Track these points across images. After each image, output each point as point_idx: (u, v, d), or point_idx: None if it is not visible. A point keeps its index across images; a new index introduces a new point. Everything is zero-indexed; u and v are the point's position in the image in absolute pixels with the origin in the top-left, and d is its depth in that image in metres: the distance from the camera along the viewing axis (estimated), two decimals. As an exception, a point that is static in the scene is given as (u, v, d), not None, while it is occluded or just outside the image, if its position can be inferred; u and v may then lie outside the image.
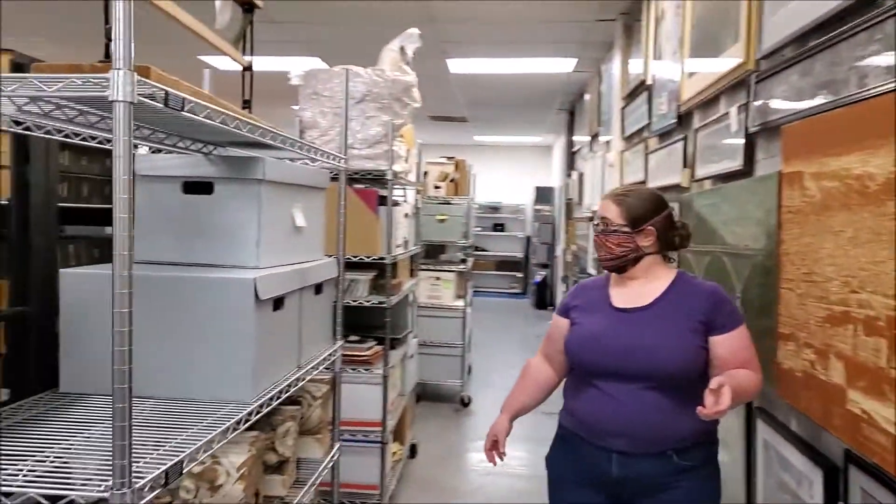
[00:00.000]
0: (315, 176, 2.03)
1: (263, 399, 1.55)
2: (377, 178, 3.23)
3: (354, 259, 3.22)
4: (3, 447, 1.22)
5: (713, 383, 1.47)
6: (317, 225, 2.07)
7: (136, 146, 1.78)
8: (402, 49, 3.31)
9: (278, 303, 1.69)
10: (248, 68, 2.06)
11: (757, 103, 2.15)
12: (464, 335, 5.45)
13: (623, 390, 1.69)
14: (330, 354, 2.11)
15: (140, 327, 1.51)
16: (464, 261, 5.66)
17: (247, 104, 2.03)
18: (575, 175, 7.82)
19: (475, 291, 12.52)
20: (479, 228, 12.61)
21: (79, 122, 1.53)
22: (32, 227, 1.64)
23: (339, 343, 2.21)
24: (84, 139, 1.53)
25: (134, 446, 1.20)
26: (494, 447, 1.92)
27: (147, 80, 1.03)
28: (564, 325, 1.89)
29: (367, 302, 3.25)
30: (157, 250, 1.74)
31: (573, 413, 1.82)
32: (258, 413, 1.50)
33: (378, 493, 3.27)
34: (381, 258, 3.20)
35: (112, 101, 0.96)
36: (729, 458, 2.26)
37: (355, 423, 3.27)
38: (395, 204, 3.66)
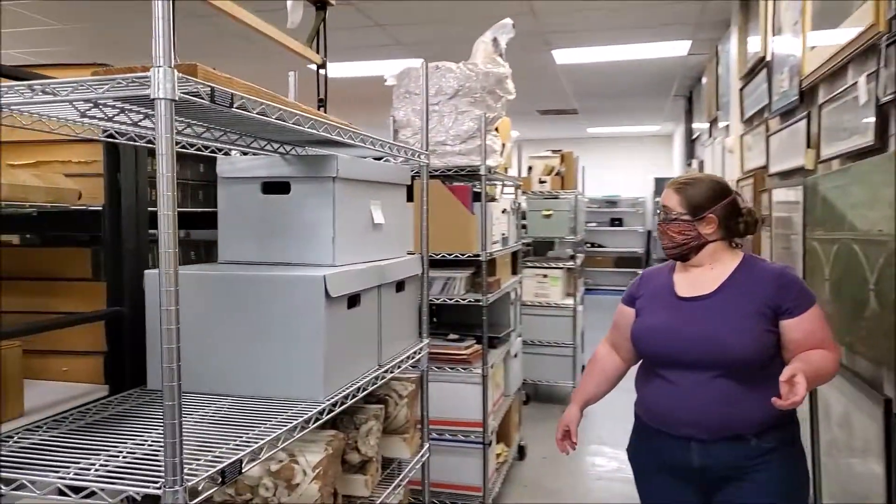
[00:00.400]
0: (395, 172, 2.01)
1: (337, 397, 1.54)
2: (471, 174, 3.18)
3: (450, 257, 3.19)
4: (85, 442, 1.27)
5: (785, 374, 1.48)
6: (399, 222, 2.05)
7: (221, 150, 1.83)
8: (494, 40, 3.24)
9: (353, 300, 1.67)
10: (321, 66, 2.08)
11: (890, 70, 1.92)
12: (574, 334, 5.30)
13: (693, 379, 1.70)
14: (415, 353, 2.08)
15: (217, 327, 1.55)
16: (573, 257, 5.49)
17: (322, 102, 2.04)
18: (695, 164, 7.41)
19: (590, 289, 12.21)
20: (594, 224, 12.29)
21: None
22: (124, 232, 1.73)
23: (426, 341, 2.18)
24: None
25: (199, 443, 1.21)
26: (566, 437, 1.98)
27: (191, 78, 1.03)
28: (630, 314, 1.92)
29: (463, 300, 3.21)
30: (241, 251, 1.78)
31: (646, 404, 1.84)
32: (330, 412, 1.49)
33: (481, 494, 3.22)
34: (477, 255, 3.15)
35: (153, 99, 0.97)
36: (864, 467, 2.03)
37: (455, 422, 3.24)
38: (492, 199, 3.59)
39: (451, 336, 3.44)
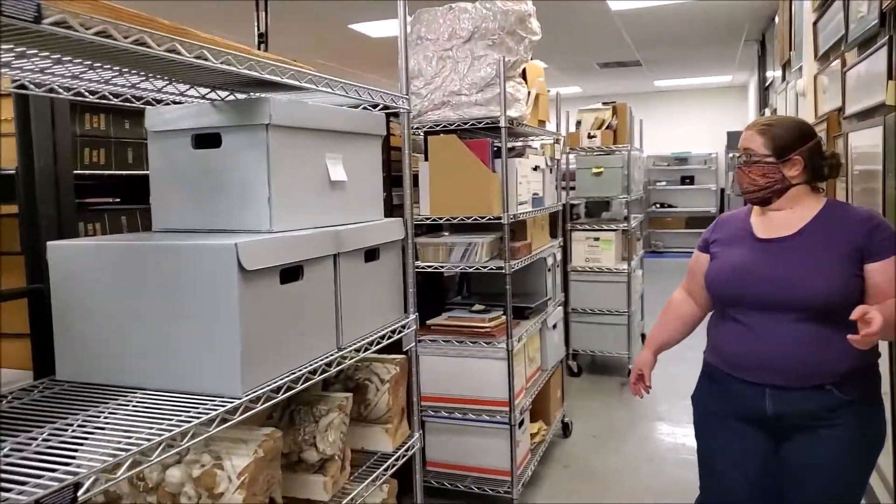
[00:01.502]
0: (361, 120, 1.69)
1: (263, 391, 1.27)
2: (492, 127, 2.83)
3: (468, 220, 2.87)
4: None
5: (857, 312, 1.44)
6: (370, 179, 1.74)
7: (160, 102, 1.57)
8: (515, -26, 2.84)
9: (291, 273, 1.39)
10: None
11: None
12: (629, 301, 4.89)
13: (772, 323, 1.65)
14: (394, 331, 1.78)
15: (123, 308, 1.30)
16: (627, 218, 5.05)
17: (262, 38, 1.74)
18: (768, 112, 6.74)
19: (658, 252, 11.58)
20: (663, 183, 11.62)
21: (89, 78, 1.34)
22: (40, 198, 1.49)
23: (412, 317, 1.88)
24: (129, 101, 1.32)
25: (85, 445, 0.97)
26: (640, 381, 1.98)
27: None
28: (705, 259, 1.88)
29: (485, 268, 2.88)
30: (175, 216, 1.52)
31: (719, 350, 1.79)
32: (248, 410, 1.22)
33: (509, 479, 2.93)
34: (498, 218, 2.81)
35: None
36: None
37: (479, 401, 2.95)
38: (518, 155, 3.22)
39: (476, 307, 3.13)
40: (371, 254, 1.70)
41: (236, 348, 1.22)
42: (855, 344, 1.44)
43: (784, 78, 5.57)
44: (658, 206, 11.74)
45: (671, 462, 3.60)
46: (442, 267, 2.93)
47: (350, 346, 1.58)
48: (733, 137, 10.25)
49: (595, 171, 4.89)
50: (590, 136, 4.89)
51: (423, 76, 2.86)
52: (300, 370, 1.38)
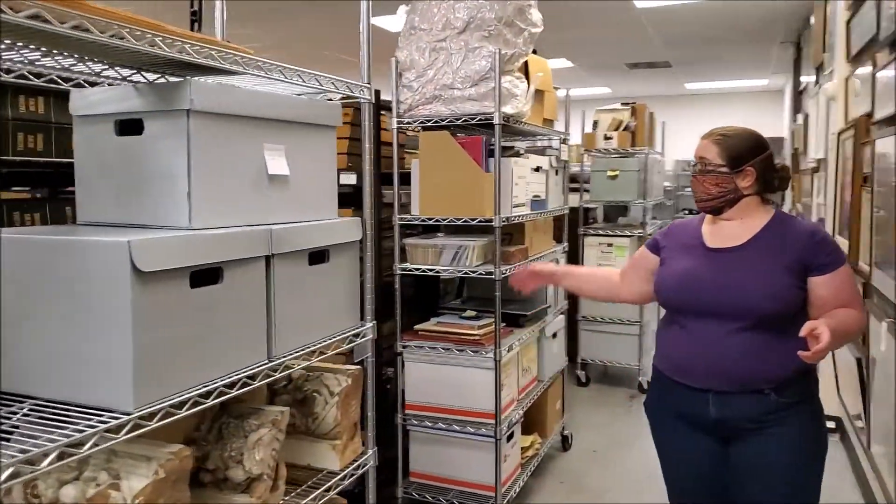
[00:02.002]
0: (308, 109, 1.54)
1: (162, 406, 1.13)
2: (486, 123, 2.67)
3: (458, 222, 2.71)
4: None
5: (805, 328, 1.48)
6: (320, 174, 1.59)
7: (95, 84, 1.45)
8: (516, -38, 2.67)
9: (207, 276, 1.25)
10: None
11: None
12: (641, 310, 4.67)
13: (716, 330, 1.69)
14: (345, 340, 1.63)
15: (15, 310, 1.17)
16: (644, 223, 4.83)
17: (195, 16, 1.60)
18: (801, 119, 6.43)
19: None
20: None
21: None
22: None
23: (370, 325, 1.73)
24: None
25: None
26: (531, 276, 2.12)
27: None
28: (651, 260, 1.93)
29: (474, 273, 2.72)
30: (99, 209, 1.39)
31: (666, 355, 1.84)
32: (137, 427, 1.08)
33: (493, 495, 2.76)
34: (489, 220, 2.64)
35: None
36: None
37: (465, 412, 2.79)
38: (515, 155, 3.05)
39: (468, 313, 2.97)
40: (318, 256, 1.55)
41: (128, 358, 1.09)
42: (806, 360, 1.49)
43: (817, 81, 5.29)
44: (687, 212, 11.40)
45: (674, 483, 3.39)
46: (431, 270, 2.77)
47: (285, 357, 1.44)
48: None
49: (610, 174, 4.69)
50: (606, 138, 4.69)
51: (415, 68, 2.71)
52: (214, 383, 1.24)
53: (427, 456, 2.90)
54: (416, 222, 2.81)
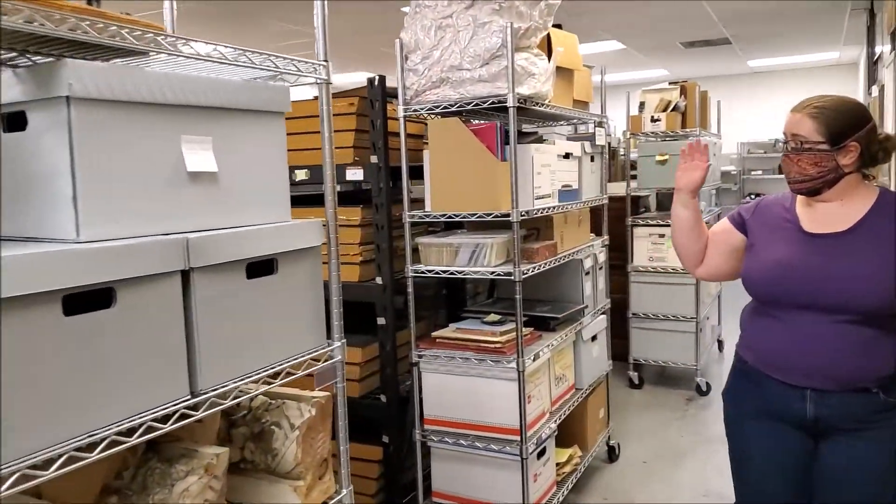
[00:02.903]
0: (247, 93, 1.28)
1: (17, 467, 0.89)
2: (500, 107, 2.35)
3: (473, 218, 2.41)
4: None
5: None
6: (265, 169, 1.33)
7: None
8: (530, -76, 2.35)
9: (92, 300, 1.00)
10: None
11: None
12: (697, 306, 4.25)
13: (816, 324, 1.55)
14: (299, 365, 1.37)
15: None
16: (700, 212, 4.39)
17: None
18: (875, 91, 5.80)
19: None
20: (759, 172, 10.57)
21: None
22: None
23: (338, 344, 1.46)
24: None
25: None
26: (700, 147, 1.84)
27: None
28: (737, 238, 1.75)
29: (492, 274, 2.42)
30: (-2, 220, 1.17)
31: (756, 347, 1.69)
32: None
33: (522, 519, 2.46)
34: (506, 215, 2.34)
35: None
36: None
37: (487, 427, 2.49)
38: (538, 140, 2.72)
39: (491, 317, 2.66)
40: (262, 266, 1.29)
41: (-33, 410, 0.85)
42: None
43: (893, 49, 4.71)
44: (752, 196, 10.69)
45: (730, 497, 3.00)
46: (445, 272, 2.49)
47: (216, 390, 1.18)
48: (840, 121, 9.10)
49: (659, 158, 4.28)
50: (653, 120, 4.28)
51: (420, 49, 2.43)
52: (101, 432, 1.00)
53: (450, 474, 2.62)
54: (428, 219, 2.53)
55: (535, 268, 2.47)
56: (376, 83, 2.49)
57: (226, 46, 1.18)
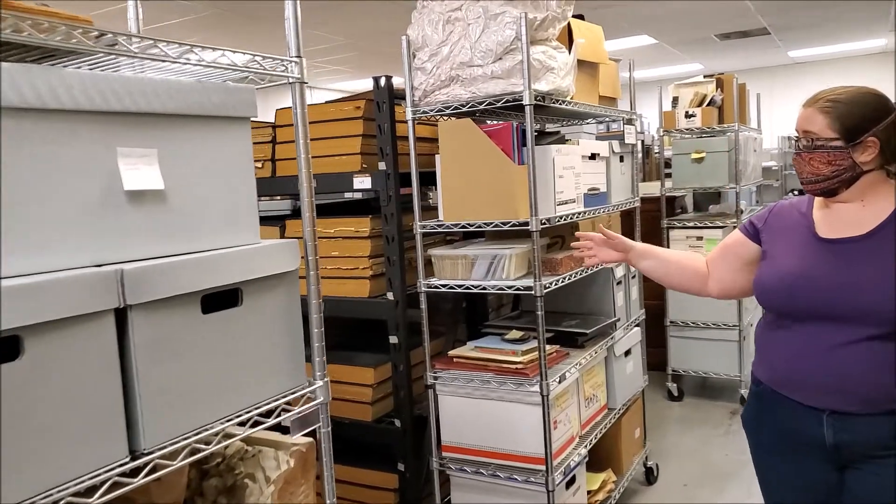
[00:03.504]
0: (199, 96, 1.09)
1: None
2: (516, 105, 2.14)
3: (488, 227, 2.20)
4: None
5: None
6: (225, 184, 1.14)
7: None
8: None
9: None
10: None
11: None
12: (740, 312, 3.96)
13: (835, 337, 1.39)
14: (271, 412, 1.17)
15: None
16: (738, 211, 4.10)
17: None
18: (929, 78, 5.41)
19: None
20: (802, 167, 10.09)
21: None
22: None
23: (320, 383, 1.26)
24: None
25: None
26: (596, 239, 1.89)
27: None
28: (748, 248, 1.62)
29: (510, 288, 2.20)
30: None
31: (770, 365, 1.55)
32: None
33: (550, 556, 2.24)
34: (524, 223, 2.12)
35: None
36: None
37: (510, 455, 2.27)
38: (561, 141, 2.49)
39: (512, 334, 2.44)
40: (223, 298, 1.10)
41: None
42: None
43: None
44: (795, 193, 10.22)
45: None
46: (461, 286, 2.28)
47: (164, 447, 0.99)
48: (889, 111, 8.62)
49: (695, 156, 4.00)
50: (688, 116, 4.00)
51: (427, 45, 2.22)
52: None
53: (472, 506, 2.40)
54: (441, 230, 2.32)
55: (558, 281, 2.24)
56: (382, 84, 2.29)
57: (169, 43, 0.99)
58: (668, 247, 4.15)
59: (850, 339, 1.39)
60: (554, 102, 2.21)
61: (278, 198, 3.04)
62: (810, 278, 1.45)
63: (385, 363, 2.48)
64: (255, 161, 2.59)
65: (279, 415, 1.16)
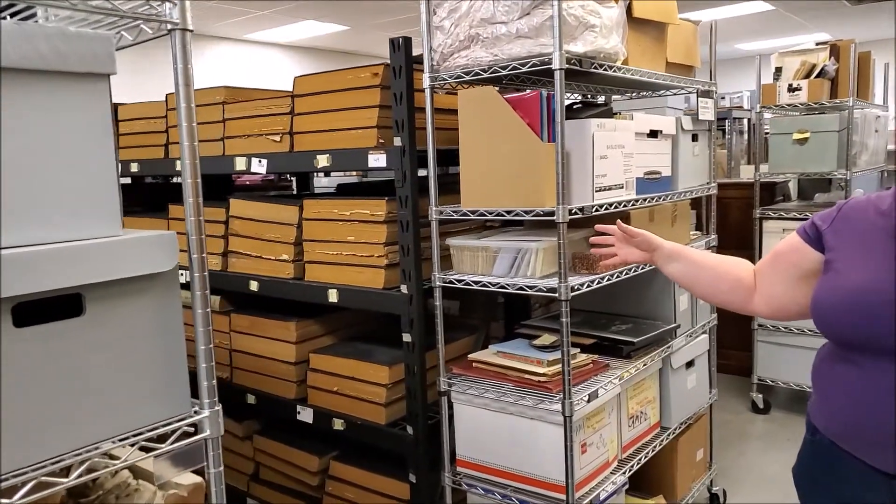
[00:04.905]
0: (16, 43, 0.82)
1: None
2: (546, 70, 1.76)
3: (510, 215, 1.85)
4: None
5: None
6: (67, 158, 0.87)
7: None
8: None
9: None
10: None
11: None
12: (843, 319, 3.36)
13: None
14: (130, 448, 0.91)
15: None
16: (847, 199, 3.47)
17: None
18: None
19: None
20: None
21: None
22: None
23: (207, 413, 0.99)
24: None
25: None
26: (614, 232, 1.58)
27: None
28: (808, 257, 1.26)
29: (532, 288, 1.84)
30: None
31: (832, 410, 1.21)
32: None
33: None
34: (549, 213, 1.75)
35: None
36: None
37: (528, 479, 1.94)
38: (604, 115, 2.07)
39: (542, 339, 2.08)
40: (58, 306, 0.84)
41: None
42: None
43: None
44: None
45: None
46: (478, 283, 1.95)
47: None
48: None
49: (797, 136, 3.40)
50: (791, 89, 3.40)
51: (447, 1, 1.88)
52: None
53: (488, 528, 2.10)
54: (457, 217, 1.99)
55: (591, 282, 1.86)
56: (400, 47, 1.97)
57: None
58: (761, 240, 3.60)
59: None
60: (595, 68, 1.81)
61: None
62: (880, 298, 1.10)
63: (402, 361, 2.20)
64: (273, 135, 2.36)
65: (140, 449, 0.90)
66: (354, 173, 5.07)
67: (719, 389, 3.44)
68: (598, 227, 1.61)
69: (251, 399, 2.54)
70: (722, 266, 1.45)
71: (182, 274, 2.75)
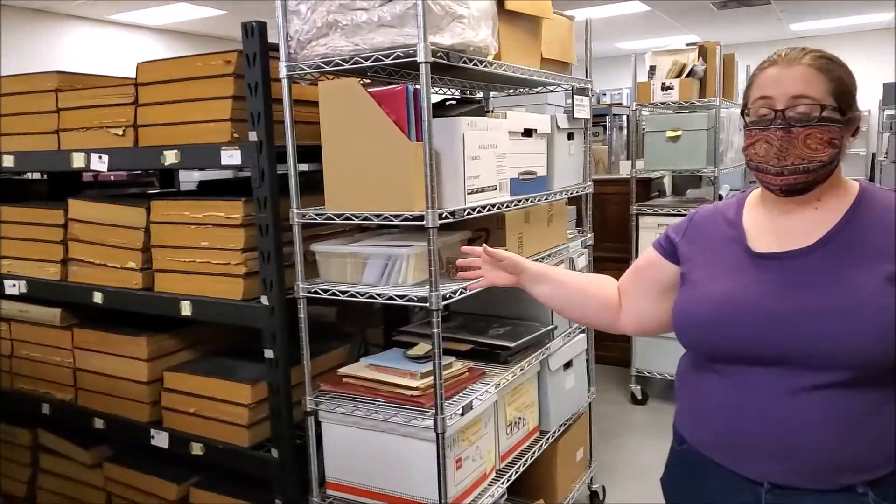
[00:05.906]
0: None
1: None
2: (412, 63, 1.62)
3: (378, 220, 1.70)
4: None
5: None
6: None
7: None
8: None
9: None
10: None
11: None
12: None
13: (779, 386, 1.05)
14: None
15: None
16: (720, 197, 3.60)
17: None
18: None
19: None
20: (798, 148, 9.52)
21: None
22: None
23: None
24: None
25: None
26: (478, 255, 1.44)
27: None
28: (665, 270, 1.25)
29: (402, 298, 1.70)
30: None
31: (699, 420, 1.18)
32: None
33: None
34: (419, 217, 1.62)
35: None
36: None
37: (403, 501, 1.81)
38: (479, 112, 1.97)
39: (417, 349, 1.95)
40: None
41: None
42: None
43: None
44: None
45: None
46: (345, 293, 1.78)
47: None
48: (891, 91, 8.01)
49: (671, 134, 3.47)
50: (664, 88, 3.46)
51: (303, -13, 1.70)
52: None
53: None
54: (321, 220, 1.82)
55: (465, 289, 1.74)
56: (254, 32, 1.77)
57: None
58: (638, 235, 3.66)
59: (800, 387, 1.04)
60: (465, 62, 1.69)
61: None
62: (746, 307, 1.09)
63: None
64: (115, 128, 2.08)
65: None
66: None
67: (600, 380, 3.47)
68: (464, 248, 1.51)
69: (99, 423, 2.26)
70: (590, 286, 1.41)
71: (14, 284, 2.41)
